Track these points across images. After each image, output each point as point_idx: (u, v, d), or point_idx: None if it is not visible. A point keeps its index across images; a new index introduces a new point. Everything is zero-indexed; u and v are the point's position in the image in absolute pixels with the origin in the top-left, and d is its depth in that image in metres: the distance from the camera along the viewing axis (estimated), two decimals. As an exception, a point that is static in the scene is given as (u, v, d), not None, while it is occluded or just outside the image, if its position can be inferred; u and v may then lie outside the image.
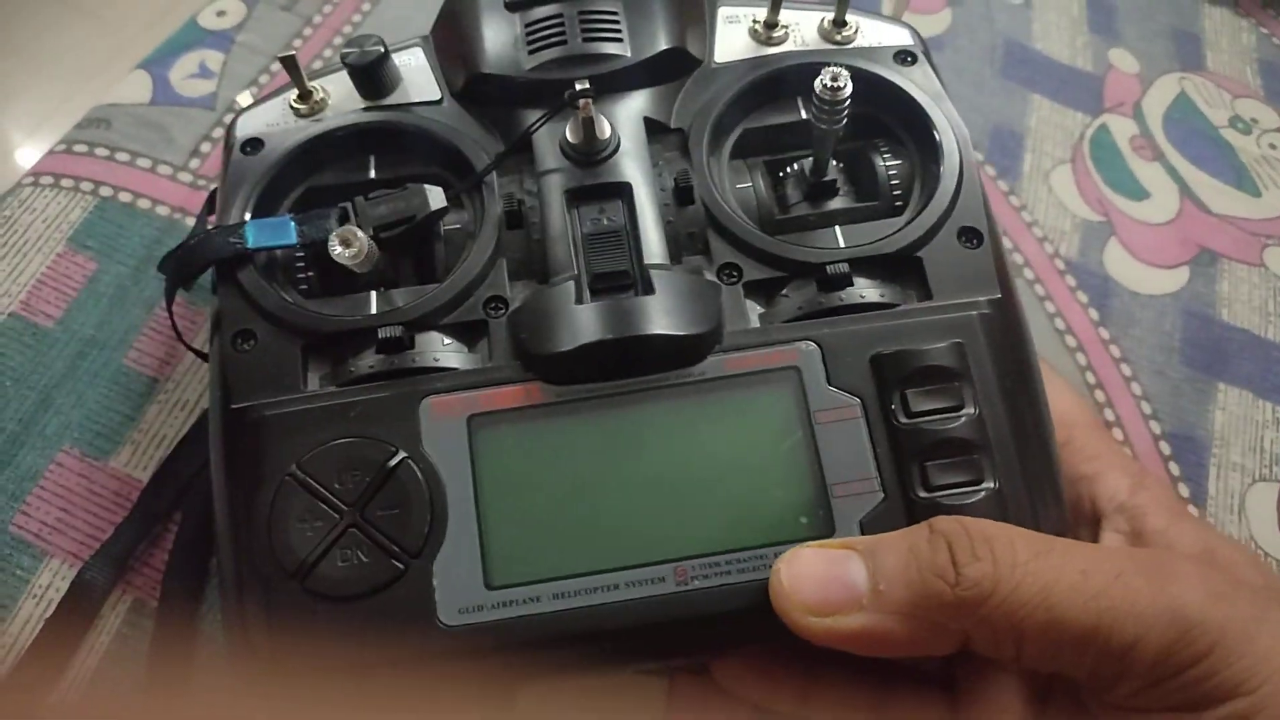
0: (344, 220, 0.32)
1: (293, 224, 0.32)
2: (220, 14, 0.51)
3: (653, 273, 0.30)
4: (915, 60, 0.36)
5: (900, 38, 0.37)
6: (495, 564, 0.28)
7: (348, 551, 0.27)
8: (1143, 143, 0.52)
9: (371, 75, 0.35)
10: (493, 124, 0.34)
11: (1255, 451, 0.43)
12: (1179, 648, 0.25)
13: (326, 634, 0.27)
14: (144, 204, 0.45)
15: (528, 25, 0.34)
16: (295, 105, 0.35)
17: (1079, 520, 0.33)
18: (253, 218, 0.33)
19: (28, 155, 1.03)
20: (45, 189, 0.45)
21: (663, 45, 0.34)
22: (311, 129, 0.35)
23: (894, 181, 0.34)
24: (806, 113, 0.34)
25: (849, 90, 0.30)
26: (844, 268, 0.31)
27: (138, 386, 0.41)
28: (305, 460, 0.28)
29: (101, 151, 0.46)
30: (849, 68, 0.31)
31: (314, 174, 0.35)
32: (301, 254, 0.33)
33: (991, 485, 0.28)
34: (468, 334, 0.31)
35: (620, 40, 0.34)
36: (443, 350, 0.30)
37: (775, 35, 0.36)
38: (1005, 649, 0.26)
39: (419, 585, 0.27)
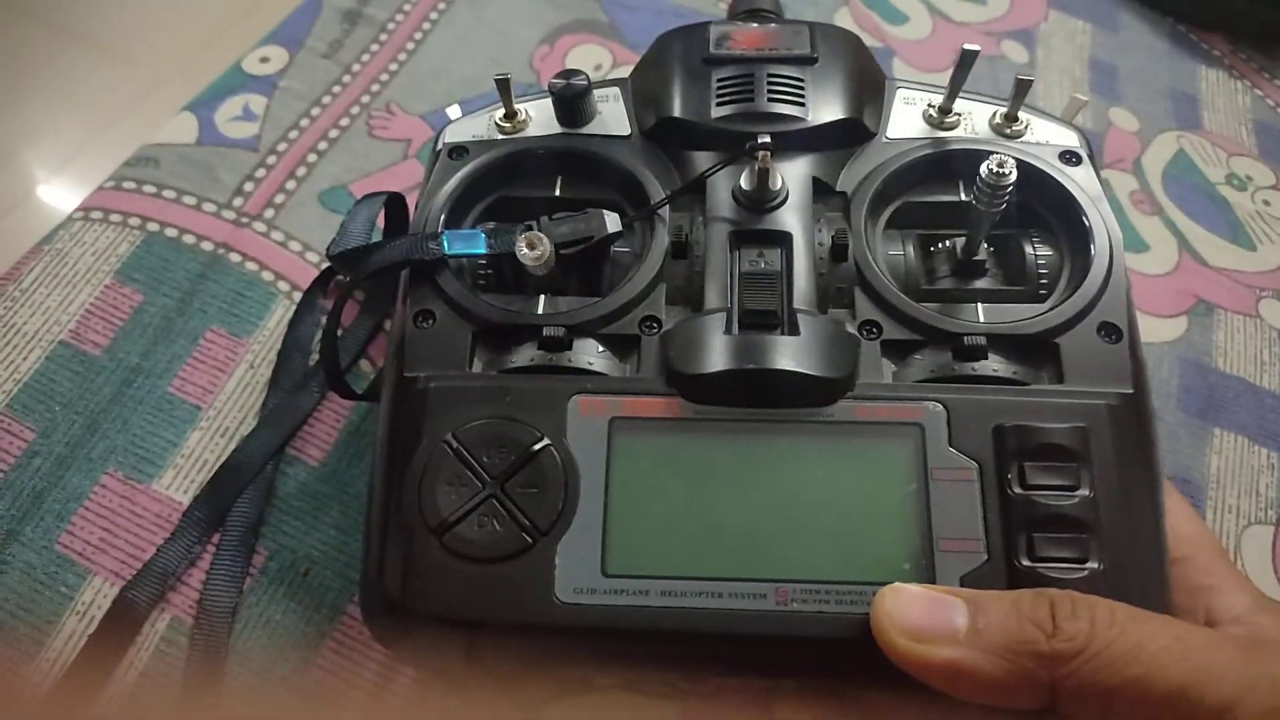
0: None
1: (483, 236, 0.35)
2: (264, 60, 0.54)
3: (800, 316, 0.33)
4: (1080, 162, 0.38)
5: (1068, 139, 0.38)
6: (613, 554, 0.30)
7: (485, 519, 0.30)
8: (1142, 197, 0.54)
9: (572, 105, 0.38)
10: (673, 163, 0.37)
11: (1250, 495, 0.44)
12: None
13: (453, 588, 0.30)
14: (189, 239, 0.47)
15: (719, 80, 0.37)
16: (500, 123, 0.39)
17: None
18: (448, 217, 0.36)
19: (53, 192, 1.06)
20: (95, 223, 0.47)
21: (840, 115, 0.37)
22: (511, 144, 0.38)
23: (1042, 270, 0.36)
24: (968, 194, 0.36)
25: (1013, 177, 0.32)
26: (981, 340, 0.33)
27: (181, 413, 0.42)
28: (461, 431, 0.31)
29: (149, 188, 0.48)
30: (1015, 158, 0.33)
31: (507, 185, 0.38)
32: (487, 261, 0.36)
33: (1096, 566, 0.29)
34: (621, 346, 0.34)
35: (802, 105, 0.37)
36: (596, 356, 0.33)
37: (948, 121, 0.38)
38: (1092, 709, 0.26)
39: (543, 560, 0.30)
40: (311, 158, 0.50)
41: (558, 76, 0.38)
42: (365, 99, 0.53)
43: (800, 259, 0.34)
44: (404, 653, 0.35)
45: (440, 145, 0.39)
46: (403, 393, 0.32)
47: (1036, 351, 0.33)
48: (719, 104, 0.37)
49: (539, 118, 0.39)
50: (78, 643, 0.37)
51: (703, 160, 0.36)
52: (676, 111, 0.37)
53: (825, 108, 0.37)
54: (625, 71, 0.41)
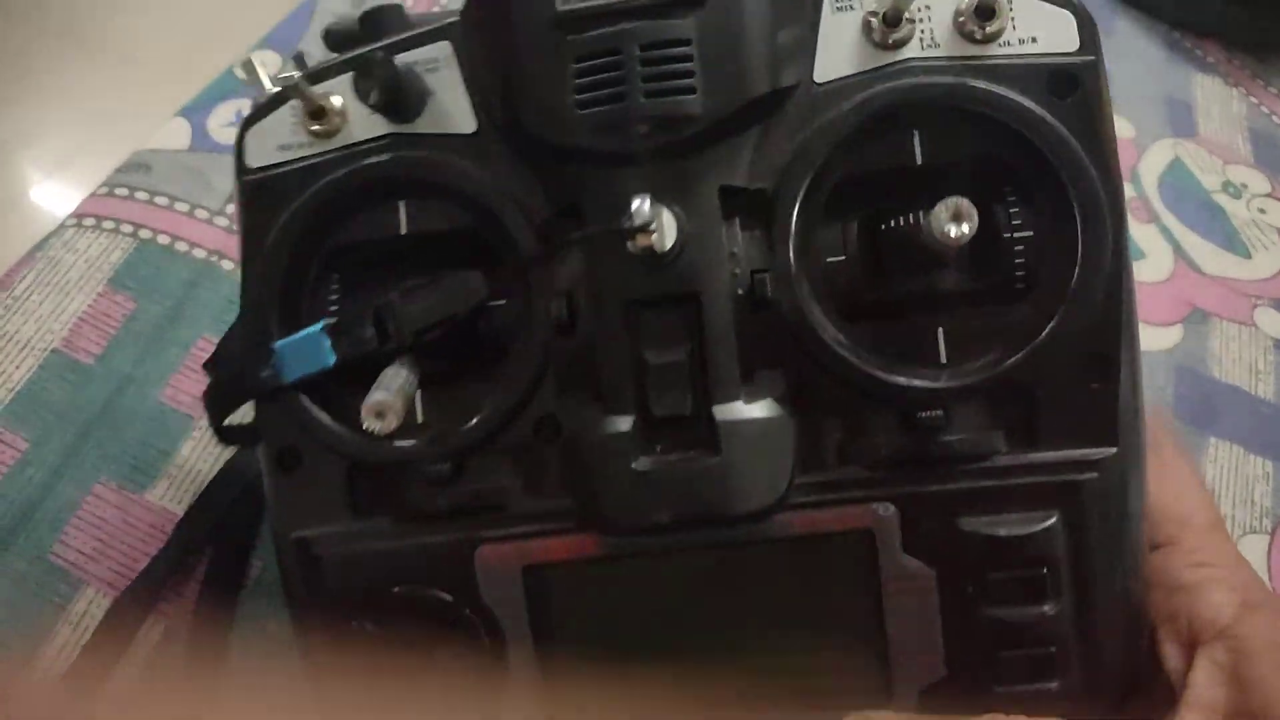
0: (380, 325, 0.28)
1: (327, 340, 0.28)
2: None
3: (720, 425, 0.27)
4: (1075, 88, 0.27)
5: (1064, 40, 0.28)
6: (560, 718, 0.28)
7: None
8: (1138, 205, 0.54)
9: (393, 90, 0.28)
10: (536, 173, 0.29)
11: (1246, 504, 0.44)
12: None
13: None
14: (182, 246, 0.47)
15: (578, 67, 0.26)
16: (310, 127, 0.29)
17: (1177, 642, 0.29)
18: (282, 308, 0.29)
19: (46, 195, 1.06)
20: (88, 230, 0.47)
21: (750, 93, 0.27)
22: (333, 175, 0.29)
23: (1019, 260, 0.28)
24: (941, 144, 0.28)
25: (971, 232, 0.25)
26: (939, 414, 0.27)
27: (174, 422, 0.42)
28: (367, 606, 0.29)
29: (142, 195, 0.48)
30: (982, 111, 0.27)
31: (339, 227, 0.30)
32: (341, 329, 0.29)
33: (1055, 685, 0.28)
34: (520, 455, 0.29)
35: (692, 91, 0.26)
36: (495, 476, 0.29)
37: (897, 35, 0.28)
38: None
39: None
40: (305, 164, 0.50)
41: (376, 49, 0.28)
42: (359, 105, 0.53)
43: (715, 323, 0.27)
44: None
45: (245, 172, 0.30)
46: (295, 557, 0.29)
47: (1004, 403, 0.28)
48: (581, 107, 0.27)
49: (356, 111, 0.29)
50: (71, 653, 0.37)
51: (575, 179, 0.28)
52: (529, 123, 0.27)
53: (726, 85, 0.26)
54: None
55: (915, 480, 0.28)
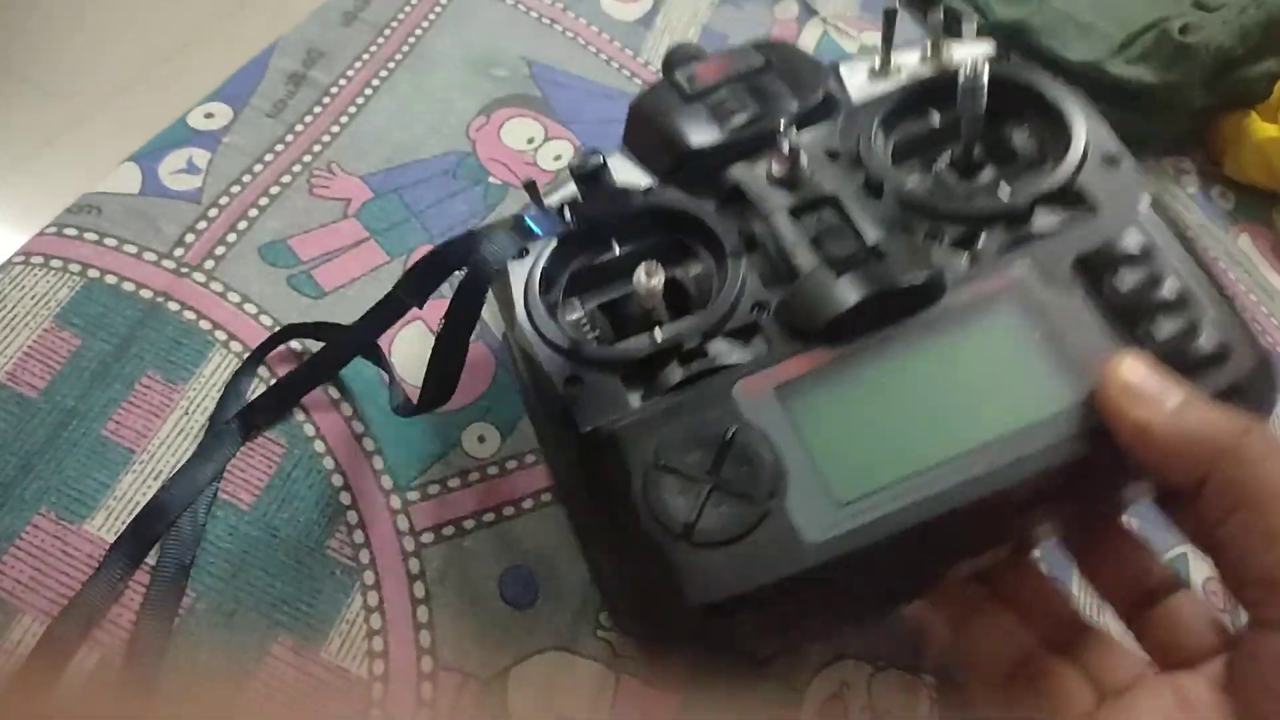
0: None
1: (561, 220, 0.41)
2: (209, 115, 0.56)
3: (878, 246, 0.37)
4: (1008, 57, 0.44)
5: (984, 48, 0.45)
6: (839, 485, 0.34)
7: (717, 508, 0.34)
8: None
9: (596, 179, 0.42)
10: (699, 193, 0.42)
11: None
12: None
13: (716, 571, 0.33)
14: (129, 286, 0.49)
15: (711, 107, 0.43)
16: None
17: None
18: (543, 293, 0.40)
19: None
20: (35, 268, 0.48)
21: (817, 95, 0.43)
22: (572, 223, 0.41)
23: (1030, 142, 0.42)
24: (947, 112, 0.42)
25: (985, 73, 0.39)
26: (1023, 203, 0.38)
27: (115, 456, 0.44)
28: (660, 450, 0.35)
29: (91, 236, 0.50)
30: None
31: (573, 260, 0.42)
32: (587, 321, 0.41)
33: (1205, 325, 0.35)
34: (742, 336, 0.38)
35: (783, 97, 0.43)
36: (730, 350, 0.37)
37: (891, 74, 0.45)
38: (1226, 502, 0.31)
39: (781, 518, 0.33)
40: (253, 212, 0.53)
41: (573, 159, 0.42)
42: (307, 158, 0.55)
43: (851, 207, 0.39)
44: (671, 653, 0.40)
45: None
46: (587, 448, 0.36)
47: (1065, 200, 0.39)
48: (722, 122, 0.42)
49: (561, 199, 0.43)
50: (4, 682, 0.38)
51: (724, 176, 0.41)
52: (695, 143, 0.42)
53: (800, 94, 0.43)
54: (559, 145, 0.47)
55: (1036, 245, 0.37)
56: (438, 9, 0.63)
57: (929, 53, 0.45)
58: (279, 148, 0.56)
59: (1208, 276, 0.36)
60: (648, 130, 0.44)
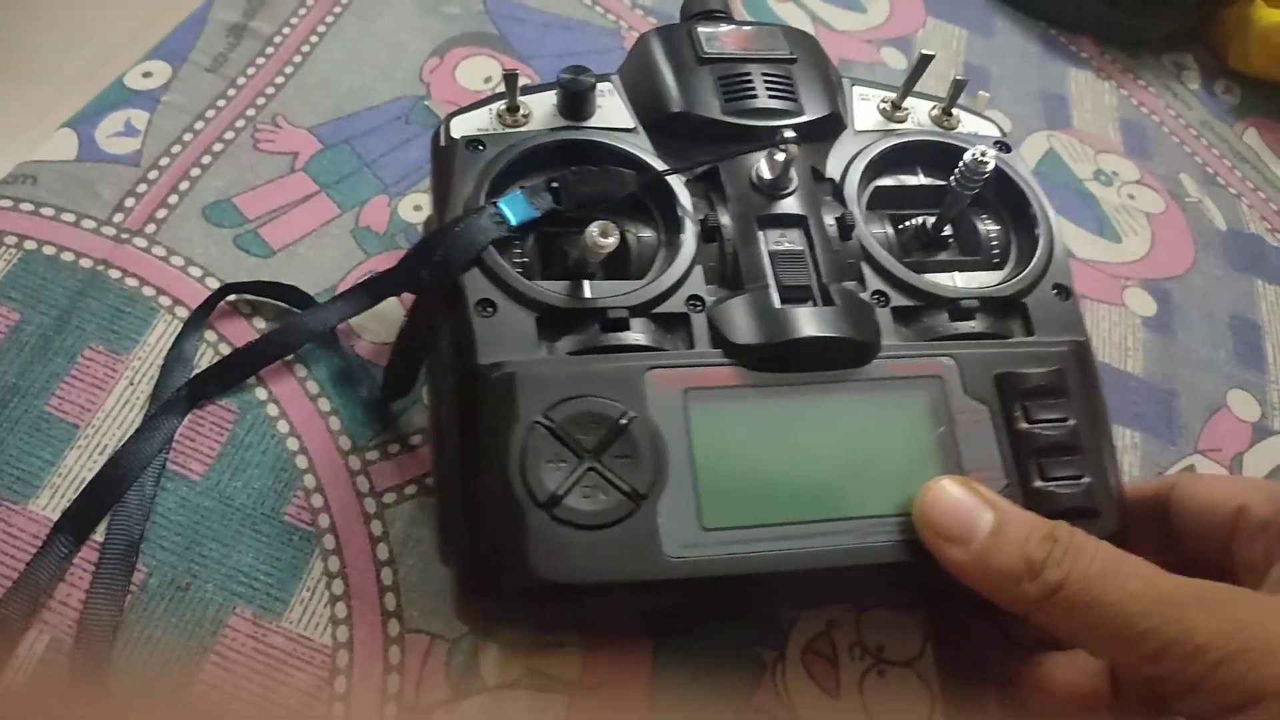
0: (556, 196, 0.38)
1: (522, 199, 0.37)
2: (146, 75, 0.53)
3: (829, 289, 0.37)
4: (1010, 149, 0.44)
5: (993, 130, 0.45)
6: (709, 510, 0.33)
7: (589, 490, 0.33)
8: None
9: (579, 100, 0.41)
10: (678, 156, 0.40)
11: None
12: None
13: (571, 554, 0.32)
14: (68, 256, 0.46)
15: (720, 78, 0.41)
16: (503, 115, 0.41)
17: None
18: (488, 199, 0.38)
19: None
20: (-31, 243, 0.46)
21: (825, 110, 0.42)
22: (538, 139, 0.40)
23: (994, 243, 0.42)
24: (934, 178, 0.43)
25: (992, 165, 0.39)
26: (975, 302, 0.38)
27: (58, 432, 0.42)
28: (551, 410, 0.33)
29: (27, 206, 0.48)
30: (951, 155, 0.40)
31: (523, 178, 0.40)
32: (518, 240, 0.38)
33: (1087, 480, 0.36)
34: (668, 323, 0.37)
35: (795, 100, 0.42)
36: (651, 333, 0.36)
37: (899, 115, 0.44)
38: (1061, 625, 0.31)
39: (646, 522, 0.32)
40: (195, 172, 0.50)
41: (566, 71, 0.40)
42: (251, 112, 0.53)
43: (817, 238, 0.38)
44: (503, 629, 0.38)
45: (447, 139, 0.40)
46: (478, 380, 0.34)
47: (1007, 311, 0.39)
48: (726, 100, 0.41)
49: (539, 112, 0.41)
50: (-50, 667, 0.37)
51: (709, 152, 0.40)
52: (684, 107, 0.41)
53: (812, 103, 0.42)
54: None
55: (965, 347, 0.37)
56: (383, -52, 0.60)
57: (939, 111, 0.45)
58: (220, 103, 0.53)
59: (1106, 435, 0.38)
60: (649, 73, 0.42)
